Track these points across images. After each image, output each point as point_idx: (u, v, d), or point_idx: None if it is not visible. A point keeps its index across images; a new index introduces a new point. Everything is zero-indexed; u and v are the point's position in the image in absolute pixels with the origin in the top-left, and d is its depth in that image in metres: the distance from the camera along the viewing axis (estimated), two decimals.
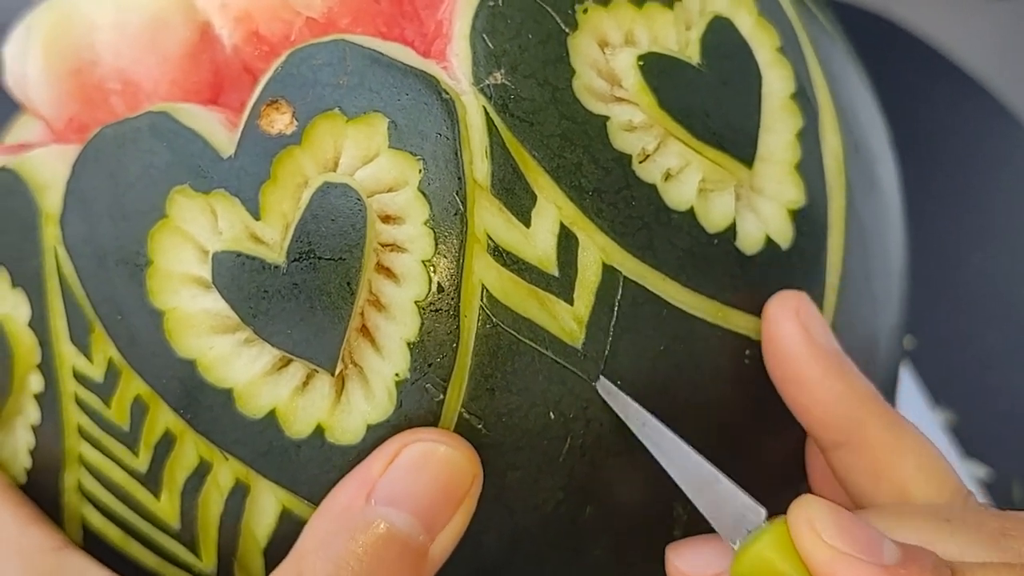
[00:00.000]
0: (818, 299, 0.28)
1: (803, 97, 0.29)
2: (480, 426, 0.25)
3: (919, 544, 0.23)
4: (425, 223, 0.25)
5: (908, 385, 0.54)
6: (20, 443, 0.28)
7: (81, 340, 0.26)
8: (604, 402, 0.25)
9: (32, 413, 0.27)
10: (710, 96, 0.27)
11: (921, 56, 0.63)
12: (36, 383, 0.27)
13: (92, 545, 0.28)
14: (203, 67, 0.29)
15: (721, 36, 0.28)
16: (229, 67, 0.29)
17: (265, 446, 0.25)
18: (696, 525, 0.27)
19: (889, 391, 0.34)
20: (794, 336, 0.26)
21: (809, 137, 0.29)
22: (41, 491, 0.28)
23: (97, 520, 0.28)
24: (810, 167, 0.28)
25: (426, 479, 0.24)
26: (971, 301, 0.57)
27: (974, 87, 0.62)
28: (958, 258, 0.58)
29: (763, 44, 0.29)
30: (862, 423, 0.26)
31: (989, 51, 0.63)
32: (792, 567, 0.22)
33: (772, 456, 0.29)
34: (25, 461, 0.28)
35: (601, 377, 0.25)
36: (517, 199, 0.25)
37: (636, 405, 0.25)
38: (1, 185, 0.27)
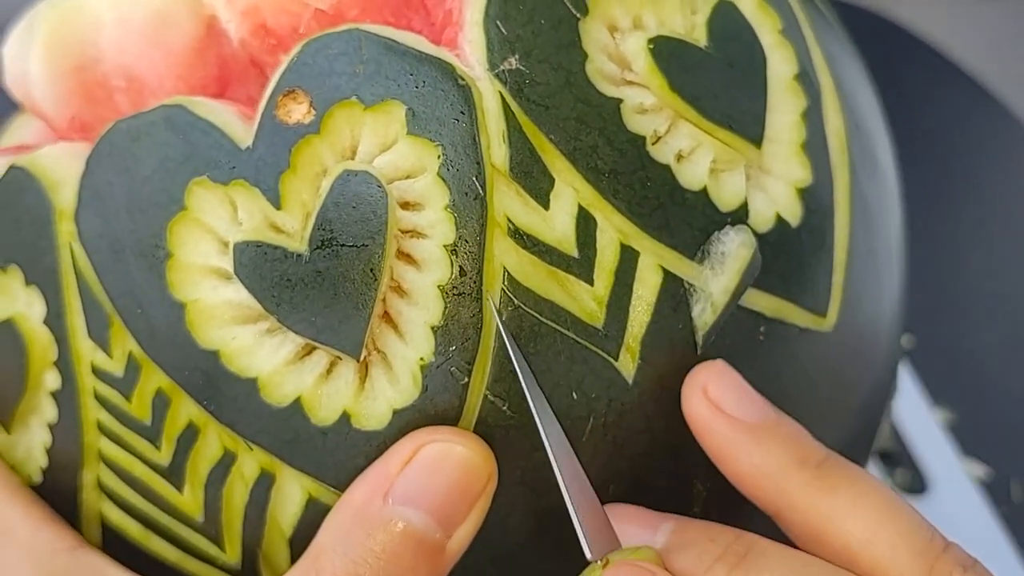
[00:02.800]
0: (827, 275, 0.29)
1: (806, 78, 0.29)
2: (505, 408, 0.25)
3: None
4: (445, 208, 0.25)
5: (907, 384, 0.54)
6: (35, 441, 0.28)
7: (100, 335, 0.26)
8: (625, 381, 0.26)
9: (49, 411, 0.27)
10: (718, 78, 0.27)
11: (921, 56, 0.64)
12: (53, 380, 0.27)
13: (111, 541, 0.28)
14: (209, 62, 0.29)
15: (726, 20, 0.28)
16: (236, 61, 0.29)
17: (291, 434, 0.25)
18: (716, 501, 0.28)
19: (891, 366, 0.34)
20: (701, 413, 0.26)
21: (813, 117, 0.29)
22: (57, 489, 0.28)
23: (116, 516, 0.27)
24: (815, 147, 0.29)
25: (442, 478, 0.24)
26: (970, 300, 0.57)
27: (974, 87, 0.63)
28: (957, 257, 0.58)
29: (766, 27, 0.29)
30: (787, 492, 0.25)
31: (989, 51, 0.64)
32: None
33: None
34: (41, 460, 0.28)
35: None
36: (535, 182, 0.25)
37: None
38: (13, 183, 0.27)
